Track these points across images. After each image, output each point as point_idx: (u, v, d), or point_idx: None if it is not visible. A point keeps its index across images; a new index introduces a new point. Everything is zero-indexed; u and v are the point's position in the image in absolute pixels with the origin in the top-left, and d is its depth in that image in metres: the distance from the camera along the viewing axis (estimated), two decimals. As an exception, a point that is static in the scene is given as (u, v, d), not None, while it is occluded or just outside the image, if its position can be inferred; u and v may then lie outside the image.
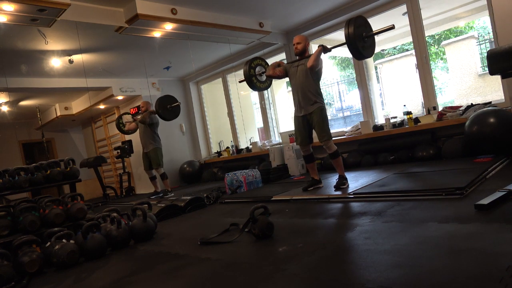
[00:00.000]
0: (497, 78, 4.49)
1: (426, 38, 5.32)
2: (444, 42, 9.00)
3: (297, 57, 3.88)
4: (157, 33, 4.81)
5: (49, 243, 2.74)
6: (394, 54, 10.25)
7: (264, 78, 4.22)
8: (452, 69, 8.40)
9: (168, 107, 5.37)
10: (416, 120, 4.95)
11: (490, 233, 1.79)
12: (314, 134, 3.80)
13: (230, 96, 7.82)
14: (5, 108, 7.14)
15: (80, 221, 3.24)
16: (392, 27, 3.15)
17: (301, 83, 3.72)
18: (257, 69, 4.16)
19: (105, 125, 8.99)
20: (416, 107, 7.92)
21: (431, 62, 5.35)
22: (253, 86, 4.15)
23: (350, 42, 3.19)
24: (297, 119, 3.81)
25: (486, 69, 3.74)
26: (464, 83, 8.05)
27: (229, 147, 7.66)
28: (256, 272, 1.88)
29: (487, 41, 9.00)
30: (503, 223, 1.88)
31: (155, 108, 5.49)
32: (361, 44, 3.26)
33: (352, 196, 3.25)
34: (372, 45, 3.47)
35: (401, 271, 1.53)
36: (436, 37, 11.64)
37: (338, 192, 3.48)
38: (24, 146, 9.05)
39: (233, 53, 6.74)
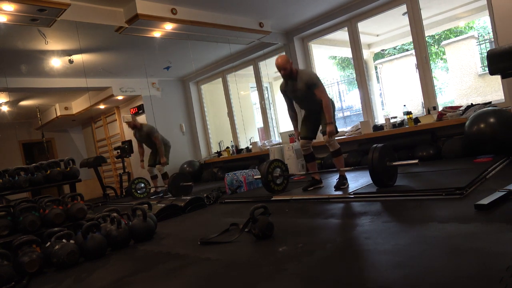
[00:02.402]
0: (497, 78, 4.48)
1: (426, 38, 5.32)
2: (444, 42, 8.99)
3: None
4: (157, 33, 4.81)
5: (49, 243, 2.74)
6: (394, 54, 10.25)
7: (281, 180, 4.25)
8: (452, 69, 8.39)
9: (180, 185, 5.33)
10: (416, 120, 4.95)
11: (490, 233, 1.79)
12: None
13: (230, 96, 7.82)
14: (5, 108, 7.14)
15: (80, 221, 3.24)
16: (417, 163, 3.10)
17: (304, 99, 3.71)
18: (274, 173, 4.19)
19: (105, 125, 8.99)
20: (416, 107, 7.92)
21: (431, 62, 5.35)
22: (270, 189, 4.15)
23: (374, 171, 3.10)
24: (306, 116, 3.87)
25: (486, 69, 3.73)
26: (464, 83, 8.05)
27: (229, 147, 7.66)
28: (256, 272, 1.88)
29: (487, 41, 8.99)
30: (503, 223, 1.88)
31: (168, 184, 5.46)
32: (386, 175, 3.15)
33: (352, 196, 3.25)
34: (395, 174, 3.31)
35: (401, 271, 1.53)
36: (436, 37, 11.63)
37: (338, 192, 3.48)
38: (24, 146, 9.05)
39: (233, 53, 6.74)
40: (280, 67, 3.57)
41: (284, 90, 3.80)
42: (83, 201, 3.45)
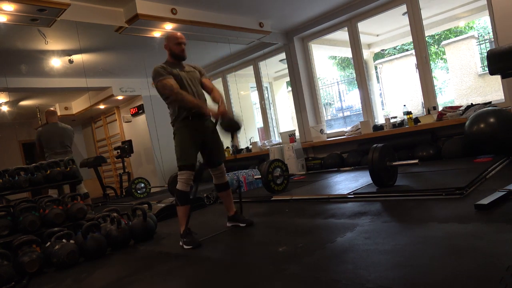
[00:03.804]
0: (497, 78, 4.48)
1: (426, 38, 5.32)
2: (444, 42, 9.00)
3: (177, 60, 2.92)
4: (157, 33, 4.80)
5: (49, 243, 2.74)
6: (394, 54, 10.25)
7: (281, 179, 4.22)
8: (452, 69, 8.40)
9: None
10: (416, 120, 4.95)
11: (490, 233, 1.79)
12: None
13: (230, 96, 7.81)
14: (5, 108, 7.15)
15: (80, 221, 3.24)
16: (417, 163, 3.13)
17: (196, 91, 2.90)
18: (274, 172, 4.19)
19: (105, 125, 8.99)
20: (416, 107, 7.93)
21: (431, 62, 5.35)
22: (270, 189, 4.13)
23: (374, 171, 3.11)
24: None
25: (486, 69, 3.73)
26: (464, 83, 8.05)
27: (229, 147, 7.66)
28: (256, 272, 1.88)
29: (487, 41, 8.99)
30: (503, 223, 1.88)
31: (168, 184, 4.96)
32: (386, 175, 3.16)
33: (352, 196, 3.25)
34: (395, 174, 3.31)
35: (401, 271, 1.53)
36: (436, 37, 11.64)
37: (339, 192, 3.48)
38: (24, 146, 9.05)
39: (233, 53, 6.74)
40: (184, 39, 2.84)
41: (171, 72, 2.76)
42: (83, 201, 3.45)
